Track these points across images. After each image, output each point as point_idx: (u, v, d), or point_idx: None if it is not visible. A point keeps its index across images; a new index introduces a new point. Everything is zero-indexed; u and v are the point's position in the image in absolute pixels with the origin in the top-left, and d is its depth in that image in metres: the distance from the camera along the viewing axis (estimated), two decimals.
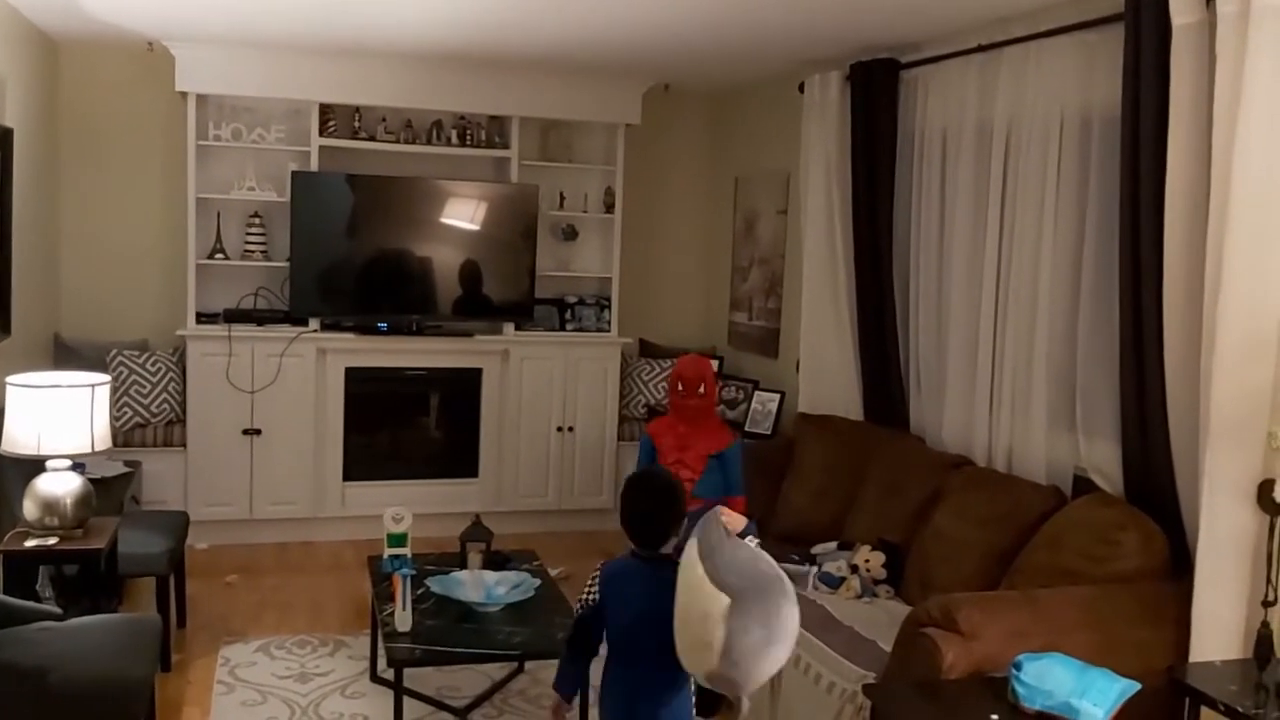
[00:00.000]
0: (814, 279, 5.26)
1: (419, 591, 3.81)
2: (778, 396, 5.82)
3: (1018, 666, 2.72)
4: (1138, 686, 2.69)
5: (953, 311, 4.44)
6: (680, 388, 4.45)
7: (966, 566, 3.74)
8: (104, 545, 3.74)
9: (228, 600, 5.10)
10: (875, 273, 4.90)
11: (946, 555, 3.84)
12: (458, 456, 6.32)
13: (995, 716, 2.67)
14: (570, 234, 6.58)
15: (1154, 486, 3.43)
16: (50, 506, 3.73)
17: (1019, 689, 2.68)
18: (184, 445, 5.76)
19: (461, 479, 6.27)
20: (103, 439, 3.79)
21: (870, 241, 4.91)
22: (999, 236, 4.17)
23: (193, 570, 5.24)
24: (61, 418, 3.67)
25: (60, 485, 3.76)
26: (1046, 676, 2.68)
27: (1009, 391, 4.12)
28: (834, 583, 4.09)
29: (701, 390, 4.43)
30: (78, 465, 3.85)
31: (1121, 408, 3.53)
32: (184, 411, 5.79)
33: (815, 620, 3.83)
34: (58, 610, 3.46)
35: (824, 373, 5.23)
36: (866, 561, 4.10)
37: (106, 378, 3.88)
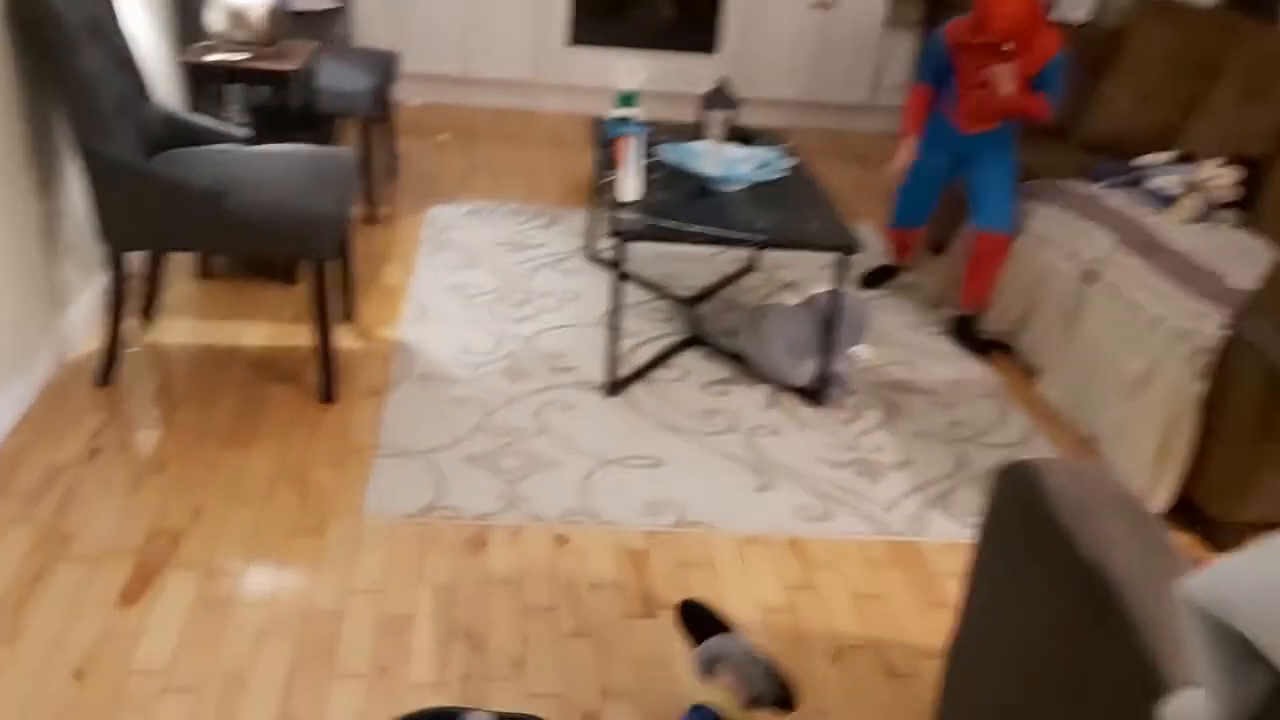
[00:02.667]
0: None
1: (649, 161, 3.19)
2: None
3: None
4: None
5: None
6: (978, 44, 3.19)
7: None
8: (298, 67, 3.24)
9: (439, 161, 4.67)
10: None
11: None
12: (697, 26, 5.47)
13: None
14: None
15: None
16: (238, 17, 3.22)
17: None
18: None
19: (699, 54, 5.47)
20: None
21: None
22: None
23: (405, 128, 4.80)
24: None
25: None
26: None
27: None
28: (1164, 200, 3.23)
29: (1009, 47, 3.14)
30: None
31: None
32: None
33: (1133, 239, 3.03)
34: (243, 133, 3.03)
35: None
36: (1212, 179, 3.20)
37: None
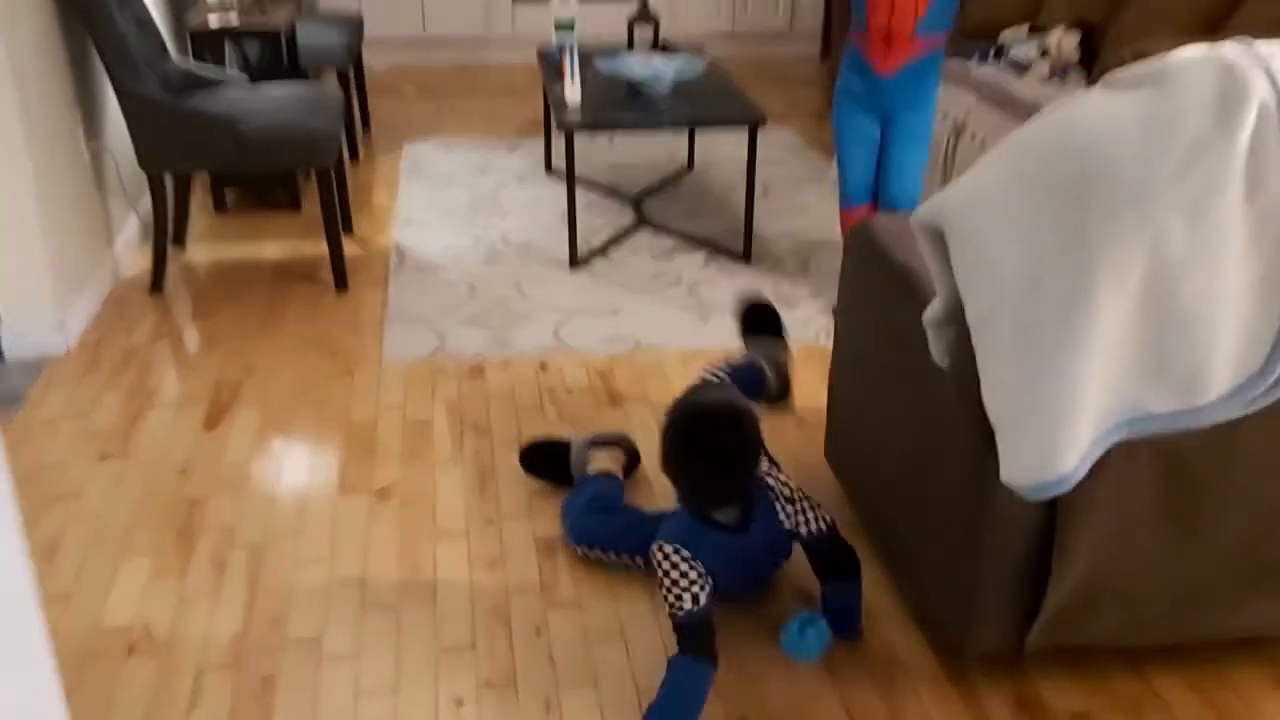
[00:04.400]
0: None
1: (587, 73, 3.79)
2: None
3: None
4: None
5: None
6: None
7: (1171, 38, 3.42)
8: (282, 25, 3.82)
9: (406, 110, 5.25)
10: None
11: (1148, 28, 3.53)
12: None
13: None
14: None
15: None
16: None
17: None
18: None
19: None
20: None
21: None
22: None
23: (372, 89, 5.37)
24: None
25: None
26: None
27: None
28: (1021, 68, 3.85)
29: None
30: None
31: None
32: None
33: (994, 97, 3.65)
34: (243, 76, 3.61)
35: None
36: (1059, 43, 3.82)
37: None
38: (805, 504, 1.95)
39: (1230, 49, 1.41)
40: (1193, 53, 1.44)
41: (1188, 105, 1.37)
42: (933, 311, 1.67)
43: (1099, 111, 1.43)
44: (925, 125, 3.09)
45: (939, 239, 1.60)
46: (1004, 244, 1.43)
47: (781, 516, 1.93)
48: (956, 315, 1.58)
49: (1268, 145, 1.34)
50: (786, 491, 1.95)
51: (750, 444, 1.84)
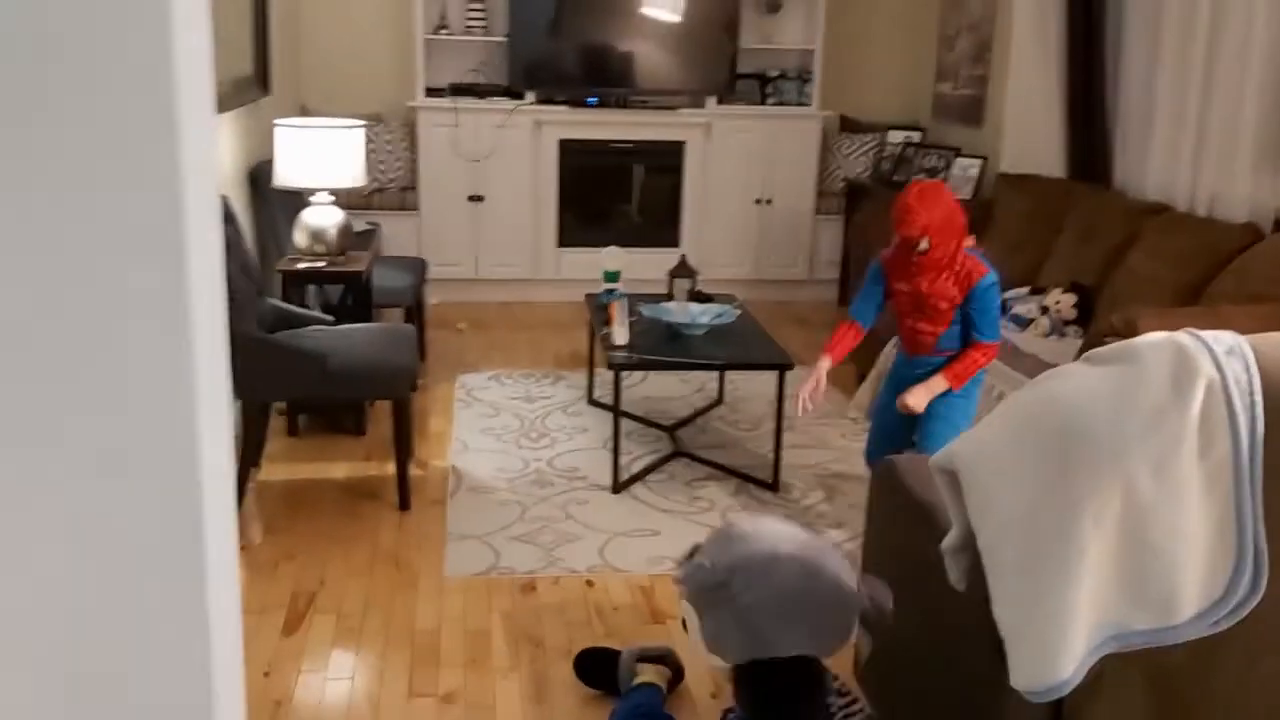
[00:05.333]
0: (1024, 35, 5.22)
1: (632, 319, 4.22)
2: (979, 162, 5.86)
3: None
4: None
5: (1164, 53, 4.37)
6: (897, 242, 3.19)
7: (1156, 302, 3.85)
8: (365, 268, 4.30)
9: (459, 344, 5.71)
10: (1087, 23, 4.83)
11: (1137, 293, 3.95)
12: (661, 226, 6.67)
13: None
14: (773, 7, 6.64)
15: None
16: (317, 235, 4.29)
17: None
18: (416, 209, 6.33)
19: (664, 248, 6.62)
20: (360, 176, 4.29)
21: None
22: None
23: (427, 321, 5.86)
24: (326, 156, 4.18)
25: (325, 218, 4.30)
26: None
27: (1216, 134, 4.09)
28: (1023, 323, 4.27)
29: (923, 247, 3.09)
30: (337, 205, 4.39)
31: None
32: (415, 179, 6.34)
33: (1002, 353, 4.04)
34: (329, 317, 4.05)
35: (1028, 132, 5.25)
36: (1057, 303, 4.25)
37: (363, 123, 4.36)
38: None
39: (1183, 335, 1.77)
40: (1154, 337, 1.80)
41: (1150, 379, 1.71)
42: (950, 540, 1.97)
43: (1080, 382, 1.78)
44: (953, 412, 3.23)
45: (954, 480, 1.92)
46: (1006, 487, 1.75)
47: None
48: (970, 544, 1.88)
49: (1214, 415, 1.67)
50: None
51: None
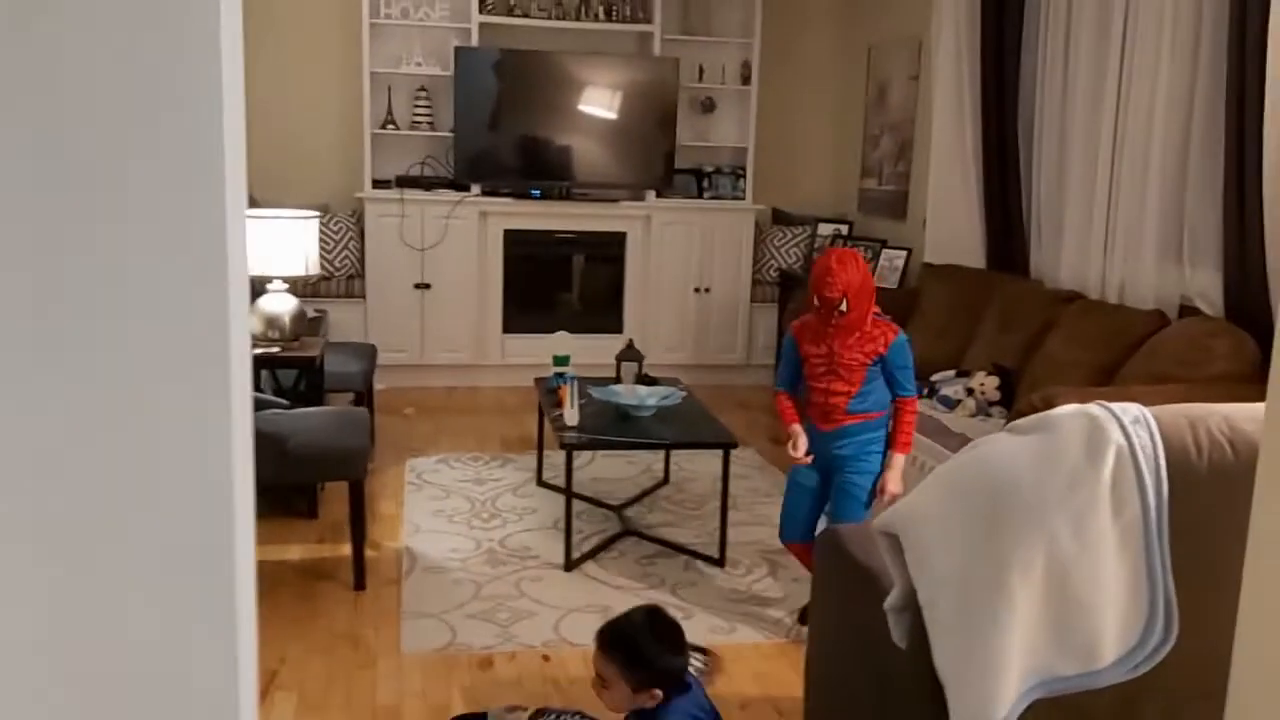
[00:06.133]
0: (942, 136, 5.57)
1: (582, 401, 4.38)
2: (904, 253, 6.18)
3: None
4: None
5: (1073, 155, 4.72)
6: (817, 304, 3.28)
7: (1073, 383, 4.11)
8: (317, 353, 4.42)
9: (407, 428, 5.80)
10: (1000, 125, 5.20)
11: (1055, 375, 4.22)
12: (604, 312, 6.88)
13: None
14: (708, 107, 6.98)
15: (1251, 306, 3.73)
16: (272, 321, 4.41)
17: None
18: (363, 297, 6.46)
19: (607, 334, 6.82)
20: (314, 264, 4.43)
21: (997, 96, 5.20)
22: (1118, 80, 4.42)
23: (375, 406, 5.95)
24: (281, 245, 4.32)
25: (280, 305, 4.43)
26: None
27: (1123, 229, 4.42)
28: (950, 404, 4.51)
29: (843, 308, 3.24)
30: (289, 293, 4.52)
31: (1224, 236, 3.82)
32: (363, 267, 6.48)
33: (931, 430, 4.27)
34: (285, 401, 4.15)
35: (949, 225, 5.57)
36: (981, 385, 4.51)
37: (316, 214, 4.52)
38: None
39: (1094, 407, 1.98)
40: (1069, 408, 2.01)
41: (1066, 446, 1.91)
42: (892, 599, 2.13)
43: (1004, 448, 1.98)
44: (861, 487, 3.41)
45: (895, 542, 2.09)
46: (941, 547, 1.92)
47: None
48: (911, 602, 2.04)
49: (1124, 478, 1.87)
50: None
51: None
